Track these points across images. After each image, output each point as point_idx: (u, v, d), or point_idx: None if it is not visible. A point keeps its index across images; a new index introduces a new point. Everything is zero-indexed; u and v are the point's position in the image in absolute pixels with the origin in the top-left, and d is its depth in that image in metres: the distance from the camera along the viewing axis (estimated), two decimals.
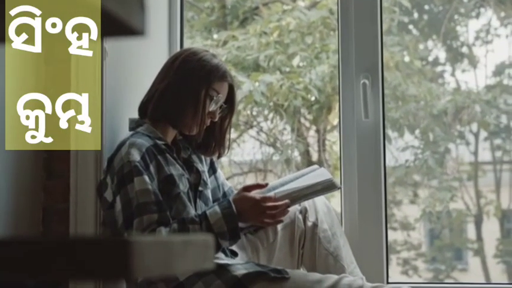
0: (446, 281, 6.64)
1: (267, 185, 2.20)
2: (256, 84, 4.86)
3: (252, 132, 5.71)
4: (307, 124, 5.65)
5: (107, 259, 0.75)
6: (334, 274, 2.11)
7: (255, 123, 5.65)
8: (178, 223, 2.03)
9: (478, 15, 6.31)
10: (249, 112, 5.43)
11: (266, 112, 5.48)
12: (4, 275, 0.78)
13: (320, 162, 5.39)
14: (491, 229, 6.56)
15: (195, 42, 5.28)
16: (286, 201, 2.14)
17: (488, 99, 5.51)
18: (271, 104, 5.14)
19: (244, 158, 5.68)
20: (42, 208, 2.29)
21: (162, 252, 0.82)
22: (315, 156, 5.61)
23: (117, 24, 0.76)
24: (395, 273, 6.13)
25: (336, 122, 5.32)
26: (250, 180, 5.82)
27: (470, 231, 6.86)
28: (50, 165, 2.30)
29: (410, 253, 6.42)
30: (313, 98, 5.05)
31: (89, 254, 0.76)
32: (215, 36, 5.61)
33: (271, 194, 2.16)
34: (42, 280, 0.85)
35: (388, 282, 2.52)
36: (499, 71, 6.26)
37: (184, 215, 2.09)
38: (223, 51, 5.02)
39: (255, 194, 2.14)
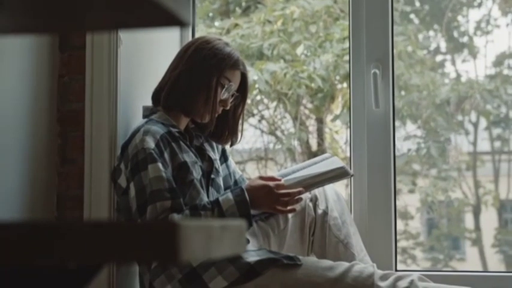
0: (444, 269, 6.67)
1: (280, 180, 2.19)
2: (259, 73, 4.86)
3: (253, 120, 5.71)
4: (307, 112, 5.65)
5: (156, 243, 0.77)
6: (345, 261, 2.12)
7: (255, 111, 5.65)
8: (191, 210, 2.05)
9: (480, 5, 6.33)
10: (249, 101, 5.43)
11: (267, 101, 5.48)
12: (46, 258, 0.80)
13: (321, 151, 5.41)
14: (489, 219, 6.60)
15: (198, 30, 5.27)
16: (300, 188, 2.16)
17: (491, 89, 5.53)
18: (275, 92, 5.14)
19: (243, 147, 5.68)
20: (56, 194, 2.30)
21: (203, 237, 0.84)
22: (315, 145, 5.62)
23: (166, 15, 0.78)
24: None
25: (338, 111, 5.33)
26: (250, 168, 5.83)
27: (469, 221, 6.88)
28: (65, 152, 2.31)
29: (409, 242, 6.44)
30: (316, 87, 5.05)
31: (138, 237, 0.77)
32: (217, 24, 5.60)
33: (282, 181, 2.18)
34: (85, 264, 0.87)
35: (396, 270, 2.54)
36: (499, 61, 6.29)
37: (197, 201, 2.10)
38: (227, 40, 5.02)
39: (269, 181, 2.16)
